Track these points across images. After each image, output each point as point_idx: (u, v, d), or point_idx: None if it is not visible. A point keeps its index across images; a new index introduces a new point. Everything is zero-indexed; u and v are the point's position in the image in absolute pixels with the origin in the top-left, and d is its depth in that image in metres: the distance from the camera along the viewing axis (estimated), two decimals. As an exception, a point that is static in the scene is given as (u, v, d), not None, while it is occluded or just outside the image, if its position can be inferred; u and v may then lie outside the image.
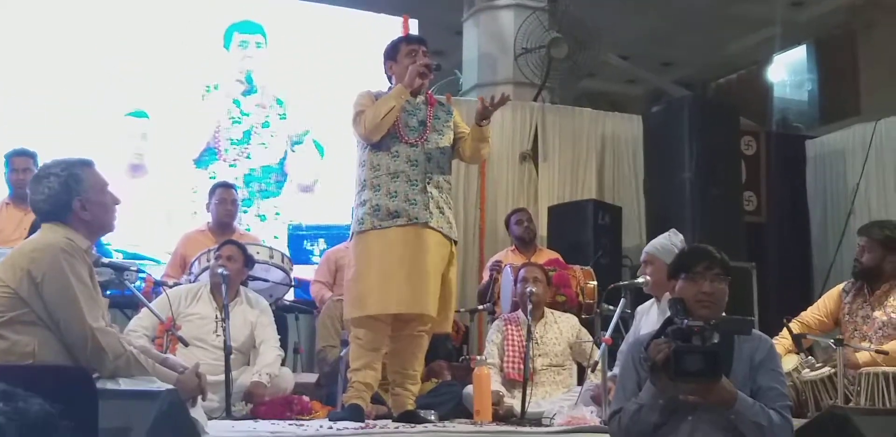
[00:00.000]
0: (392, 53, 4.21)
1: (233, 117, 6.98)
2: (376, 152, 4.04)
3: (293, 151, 7.12)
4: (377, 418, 4.14)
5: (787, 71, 11.66)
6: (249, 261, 4.67)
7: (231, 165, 6.91)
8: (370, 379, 4.00)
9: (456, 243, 4.15)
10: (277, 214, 7.01)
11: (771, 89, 11.61)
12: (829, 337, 4.41)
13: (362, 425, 3.76)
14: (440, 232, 4.00)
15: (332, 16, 7.56)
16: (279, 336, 4.66)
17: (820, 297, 4.89)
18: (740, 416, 2.45)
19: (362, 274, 3.94)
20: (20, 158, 5.35)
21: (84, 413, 2.13)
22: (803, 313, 4.70)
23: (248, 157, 6.97)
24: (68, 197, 2.85)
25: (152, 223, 6.50)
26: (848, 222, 7.39)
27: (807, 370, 4.34)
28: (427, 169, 4.01)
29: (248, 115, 7.02)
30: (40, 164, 5.20)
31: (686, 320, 2.48)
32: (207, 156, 6.87)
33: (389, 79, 4.24)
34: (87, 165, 2.95)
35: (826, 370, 4.25)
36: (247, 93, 7.05)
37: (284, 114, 7.13)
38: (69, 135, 6.28)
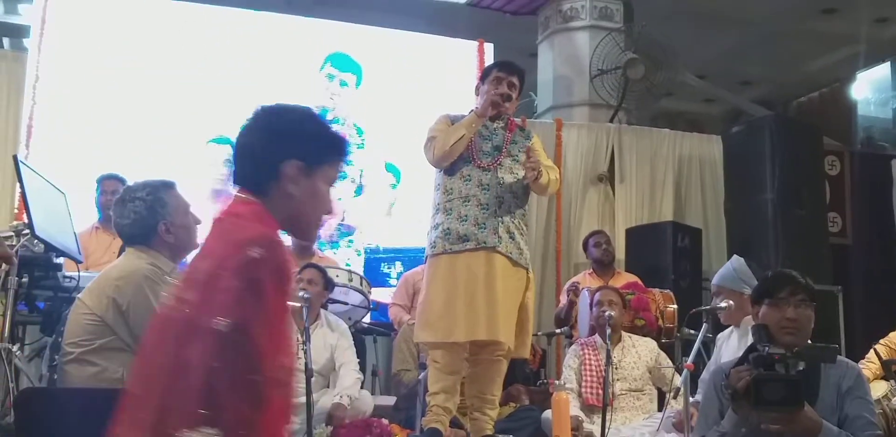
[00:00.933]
0: (484, 76, 4.26)
1: None
2: (450, 176, 4.09)
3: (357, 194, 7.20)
4: (457, 442, 4.14)
5: (872, 88, 11.39)
6: (329, 284, 4.72)
7: None
8: (449, 403, 3.99)
9: (527, 269, 4.10)
10: (351, 240, 7.06)
11: (855, 108, 11.34)
12: (920, 363, 4.28)
13: (443, 448, 3.77)
14: (509, 257, 3.98)
15: (408, 41, 7.62)
16: (358, 359, 4.70)
17: (910, 321, 4.75)
18: None
19: (430, 299, 3.98)
20: (110, 181, 5.50)
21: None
22: (892, 335, 4.57)
23: None
24: (154, 221, 2.93)
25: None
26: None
27: (897, 397, 4.22)
28: (499, 193, 4.01)
29: None
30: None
31: (767, 348, 2.43)
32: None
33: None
34: (170, 187, 3.02)
35: (918, 398, 4.12)
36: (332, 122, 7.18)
37: (362, 143, 7.19)
38: (155, 160, 6.44)
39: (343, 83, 7.24)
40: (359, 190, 7.21)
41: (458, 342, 3.94)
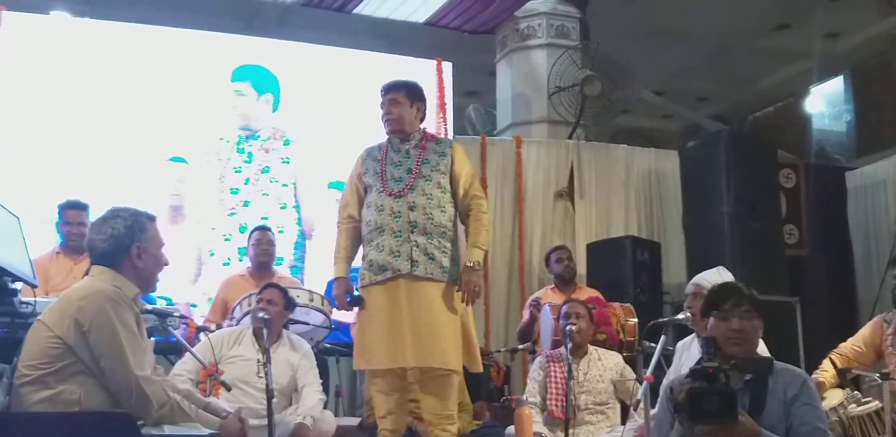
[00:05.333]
0: None
1: (235, 166, 6.94)
2: (367, 208, 4.16)
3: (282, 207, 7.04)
4: (419, 459, 4.14)
5: (825, 102, 11.59)
6: (290, 304, 4.71)
7: (230, 214, 6.83)
8: (397, 425, 4.07)
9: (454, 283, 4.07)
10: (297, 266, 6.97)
11: (809, 121, 11.54)
12: (874, 371, 4.35)
13: (403, 467, 3.79)
14: (430, 279, 3.99)
15: (367, 61, 7.62)
16: (321, 380, 4.68)
17: (865, 330, 4.82)
18: None
19: (359, 329, 4.10)
20: (74, 212, 5.42)
21: (129, 459, 2.17)
22: (842, 345, 4.65)
23: (245, 205, 6.89)
24: (129, 241, 2.93)
25: (189, 269, 6.57)
26: (893, 253, 7.30)
27: (853, 404, 4.28)
28: (411, 218, 4.04)
29: (250, 162, 6.97)
30: (92, 214, 5.32)
31: (707, 359, 2.48)
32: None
33: None
34: (152, 219, 3.05)
35: (873, 405, 4.19)
36: (249, 138, 7.01)
37: (288, 158, 7.06)
38: (110, 182, 6.43)
39: (237, 92, 7.08)
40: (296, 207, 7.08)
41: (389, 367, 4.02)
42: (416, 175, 4.10)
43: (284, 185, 7.02)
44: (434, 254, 4.02)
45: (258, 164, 6.98)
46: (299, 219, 7.01)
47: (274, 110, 7.17)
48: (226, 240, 6.75)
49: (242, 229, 6.63)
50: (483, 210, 4.17)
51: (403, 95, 4.20)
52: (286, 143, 7.11)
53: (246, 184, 6.92)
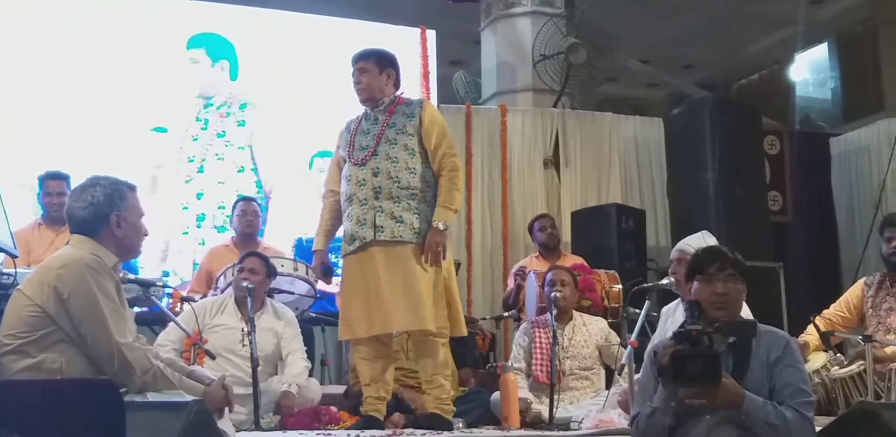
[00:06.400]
0: None
1: (193, 135, 6.86)
2: (343, 180, 4.18)
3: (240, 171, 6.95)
4: (405, 426, 4.16)
5: (809, 69, 11.60)
6: (272, 271, 4.69)
7: (186, 181, 6.77)
8: (381, 392, 4.10)
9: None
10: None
11: (793, 88, 11.55)
12: (857, 334, 4.38)
13: (389, 432, 3.83)
14: (399, 241, 3.96)
15: (350, 28, 7.55)
16: (306, 348, 4.69)
17: (849, 295, 4.85)
18: (751, 417, 2.44)
19: (338, 300, 4.18)
20: (54, 182, 5.38)
21: (111, 425, 2.16)
22: (826, 311, 4.68)
23: (200, 170, 6.82)
24: (108, 210, 2.90)
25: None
26: (875, 218, 7.32)
27: (836, 367, 4.32)
28: (374, 184, 4.02)
29: (206, 129, 6.90)
30: (73, 185, 5.29)
31: (692, 322, 2.48)
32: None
33: None
34: (132, 188, 3.02)
35: (855, 367, 4.22)
36: (206, 106, 6.95)
37: (244, 121, 6.98)
38: (90, 153, 6.38)
39: (192, 60, 7.00)
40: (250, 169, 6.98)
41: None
42: (380, 140, 4.08)
43: (240, 148, 6.95)
44: (402, 216, 3.99)
45: (213, 129, 6.91)
46: (258, 181, 6.96)
47: (233, 78, 7.09)
48: (183, 209, 6.69)
49: (199, 196, 6.62)
50: (455, 168, 4.08)
51: (372, 63, 4.17)
52: (242, 107, 7.02)
53: (204, 149, 6.88)
